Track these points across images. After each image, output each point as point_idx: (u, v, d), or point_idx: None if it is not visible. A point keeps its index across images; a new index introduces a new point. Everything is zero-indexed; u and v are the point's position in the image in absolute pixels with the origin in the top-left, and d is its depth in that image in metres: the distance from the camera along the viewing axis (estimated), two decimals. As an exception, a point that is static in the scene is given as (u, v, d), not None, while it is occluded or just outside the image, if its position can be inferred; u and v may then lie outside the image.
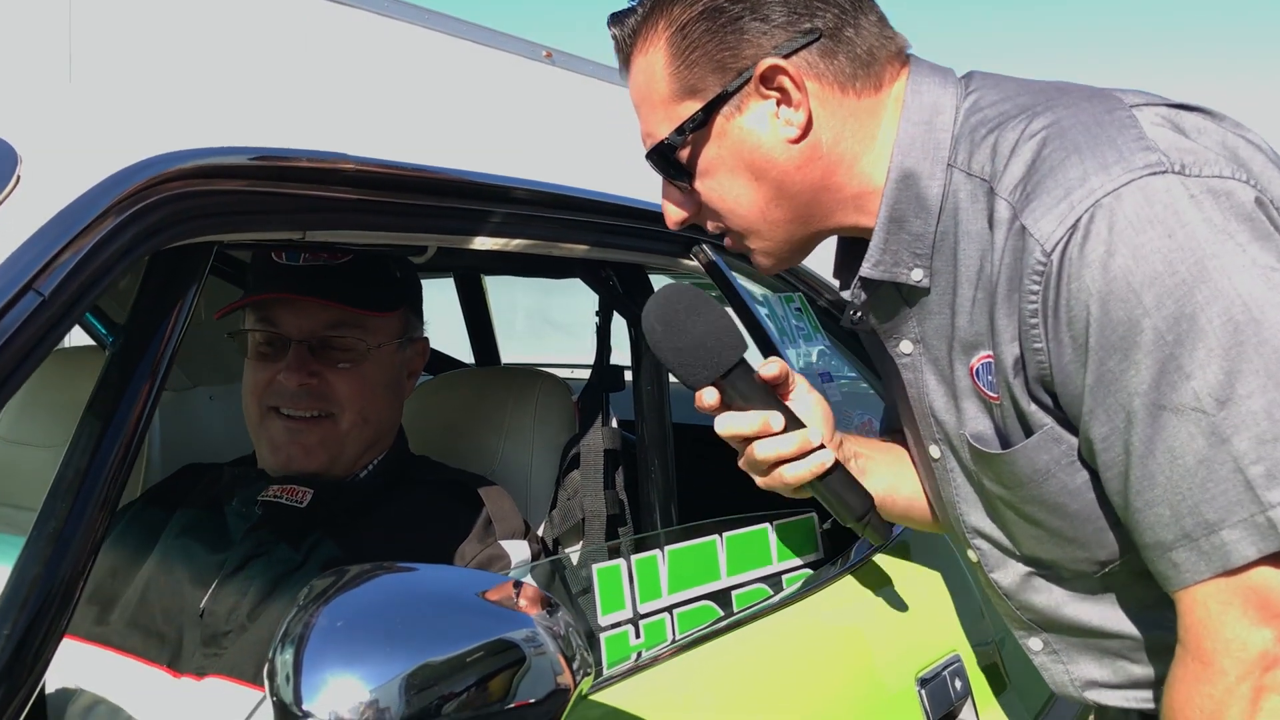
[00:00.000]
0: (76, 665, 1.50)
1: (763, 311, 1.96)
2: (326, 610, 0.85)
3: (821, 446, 1.30)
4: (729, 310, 1.31)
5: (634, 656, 1.30)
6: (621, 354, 1.96)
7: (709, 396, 1.27)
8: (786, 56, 1.13)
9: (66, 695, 1.50)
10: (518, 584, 0.95)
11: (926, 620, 1.77)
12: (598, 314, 1.97)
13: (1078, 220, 1.01)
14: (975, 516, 1.31)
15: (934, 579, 1.81)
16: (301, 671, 0.82)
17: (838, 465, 1.31)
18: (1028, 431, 1.14)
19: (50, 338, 0.97)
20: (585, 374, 2.96)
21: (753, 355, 1.35)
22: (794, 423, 1.29)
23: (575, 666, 0.90)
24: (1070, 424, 1.11)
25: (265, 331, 1.61)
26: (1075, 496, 1.16)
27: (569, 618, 0.93)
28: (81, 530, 1.06)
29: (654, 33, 1.19)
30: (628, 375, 1.96)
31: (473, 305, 2.78)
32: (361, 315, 1.63)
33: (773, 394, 1.30)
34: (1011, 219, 1.07)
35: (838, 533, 1.81)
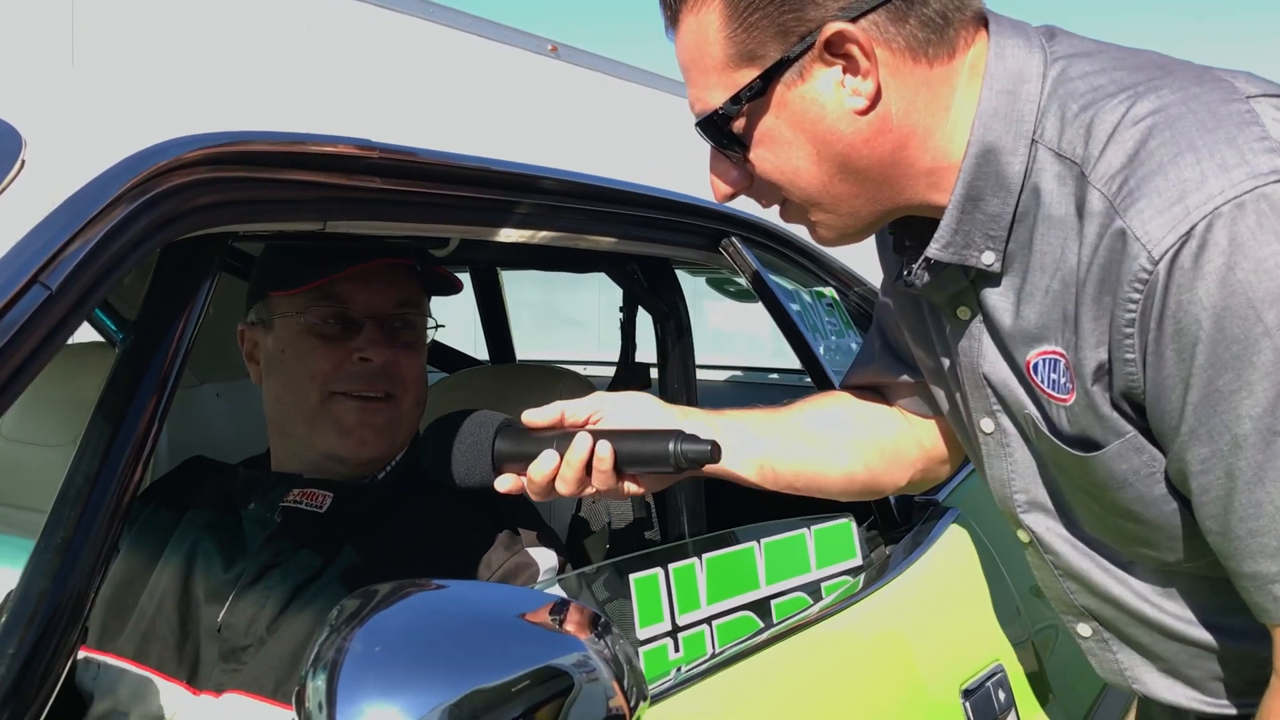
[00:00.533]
0: (89, 674, 1.44)
1: (794, 307, 1.89)
2: (361, 634, 0.78)
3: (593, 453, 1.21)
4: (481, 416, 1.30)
5: (674, 672, 1.23)
6: (646, 351, 1.89)
7: (504, 483, 1.26)
8: (854, 20, 1.03)
9: (80, 705, 1.44)
10: (562, 604, 0.88)
11: (967, 629, 1.70)
12: (622, 310, 1.91)
13: (1193, 228, 0.92)
14: (1034, 492, 1.24)
15: (974, 585, 1.74)
16: (336, 701, 0.75)
17: (619, 436, 1.23)
18: (1105, 437, 1.07)
19: (58, 334, 0.90)
20: (601, 370, 2.92)
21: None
22: (567, 438, 1.23)
23: (629, 690, 0.83)
24: (1151, 434, 1.04)
25: (332, 308, 1.53)
26: (1150, 506, 1.09)
27: (620, 639, 0.86)
28: (91, 540, 1.00)
29: None
30: (653, 371, 1.89)
31: (488, 300, 2.71)
32: (420, 295, 1.59)
33: (550, 431, 1.26)
34: (1108, 214, 0.98)
35: (875, 539, 1.75)
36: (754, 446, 1.35)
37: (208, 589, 1.47)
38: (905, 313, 1.34)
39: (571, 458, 1.20)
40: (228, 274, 2.16)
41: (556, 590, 1.17)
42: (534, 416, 1.26)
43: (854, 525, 1.57)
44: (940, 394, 1.32)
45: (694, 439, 1.19)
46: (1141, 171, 0.96)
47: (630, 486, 1.24)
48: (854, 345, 1.95)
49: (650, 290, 1.82)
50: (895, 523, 1.79)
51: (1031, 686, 1.75)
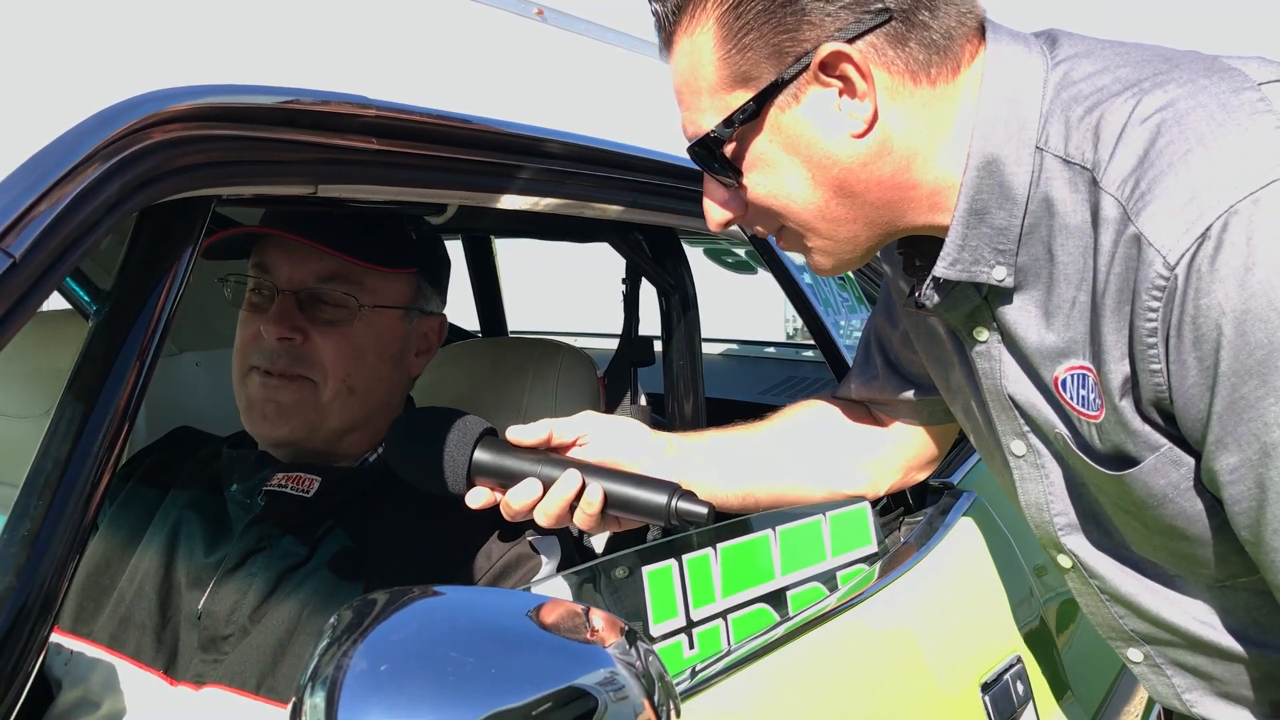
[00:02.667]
0: (59, 661, 1.36)
1: (806, 279, 1.81)
2: (363, 650, 0.70)
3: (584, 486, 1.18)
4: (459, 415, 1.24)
5: (688, 671, 1.16)
6: (650, 324, 1.80)
7: (477, 498, 1.22)
8: (850, 41, 0.97)
9: (51, 691, 1.36)
10: (582, 610, 0.79)
11: (985, 619, 1.63)
12: (624, 281, 1.82)
13: (1208, 228, 0.86)
14: (1074, 513, 1.18)
15: (991, 573, 1.67)
16: (337, 724, 0.67)
17: (611, 477, 1.19)
18: (1140, 452, 1.00)
19: (23, 307, 0.82)
20: (598, 343, 2.83)
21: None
22: (555, 467, 1.19)
23: (660, 708, 0.75)
24: (1188, 445, 0.98)
25: (256, 279, 1.43)
26: (1195, 521, 1.03)
27: (649, 648, 0.78)
28: (61, 531, 0.92)
29: (702, 10, 1.02)
30: (657, 346, 1.81)
31: (481, 269, 2.61)
32: (360, 269, 1.43)
33: (534, 452, 1.22)
34: (1122, 220, 0.92)
35: (890, 526, 1.68)
36: (735, 480, 1.35)
37: (189, 573, 1.39)
38: (920, 336, 1.29)
39: (557, 493, 1.18)
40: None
41: (564, 586, 1.09)
42: (520, 434, 1.22)
43: (869, 511, 1.49)
44: (964, 418, 1.27)
45: (691, 497, 1.16)
46: (1153, 172, 0.90)
47: (611, 525, 1.22)
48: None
49: (656, 262, 1.74)
50: (910, 507, 1.72)
51: (1047, 675, 1.68)
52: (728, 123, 1.03)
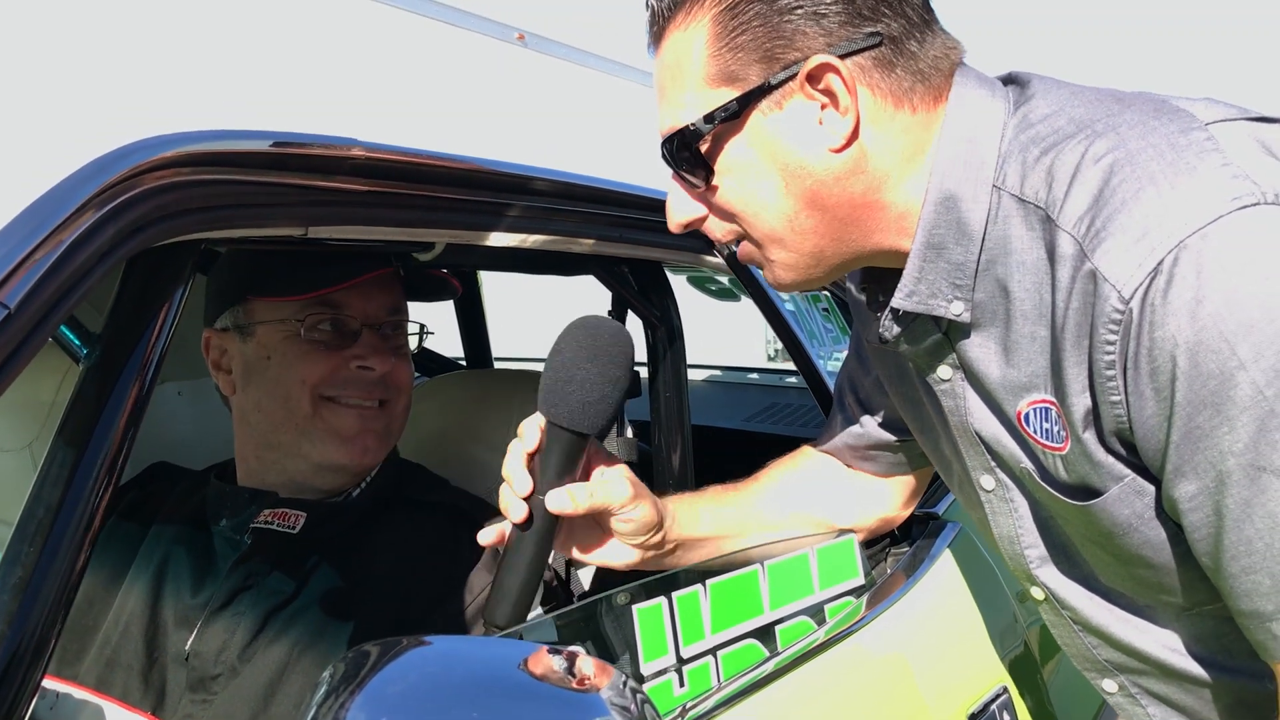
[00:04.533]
0: (45, 704, 1.35)
1: (788, 308, 1.82)
2: (361, 702, 0.70)
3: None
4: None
5: (679, 710, 1.16)
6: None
7: (531, 437, 1.16)
8: (841, 57, 0.99)
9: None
10: (572, 656, 0.80)
11: (972, 650, 1.64)
12: (611, 313, 1.83)
13: (1159, 263, 0.88)
14: (1044, 546, 1.20)
15: (976, 604, 1.68)
16: (335, 779, 0.67)
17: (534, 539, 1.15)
18: (1103, 483, 1.02)
19: (18, 358, 0.82)
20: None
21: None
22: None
23: (653, 754, 0.75)
24: (1152, 475, 0.99)
25: (332, 316, 1.45)
26: (1160, 550, 1.05)
27: (640, 691, 0.79)
28: (53, 576, 0.91)
29: (699, 7, 1.03)
30: (643, 372, 1.82)
31: (466, 302, 2.61)
32: (405, 301, 1.56)
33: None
34: (1078, 256, 0.94)
35: (876, 557, 1.69)
36: (719, 541, 1.36)
37: (176, 613, 1.38)
38: (891, 379, 1.30)
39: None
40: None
41: (549, 628, 1.09)
42: (560, 503, 1.15)
43: (856, 544, 1.50)
44: (935, 455, 1.29)
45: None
46: (1107, 210, 0.93)
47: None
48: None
49: (641, 294, 1.75)
50: (896, 539, 1.73)
51: (1033, 704, 1.69)
52: (709, 118, 1.03)
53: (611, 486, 1.19)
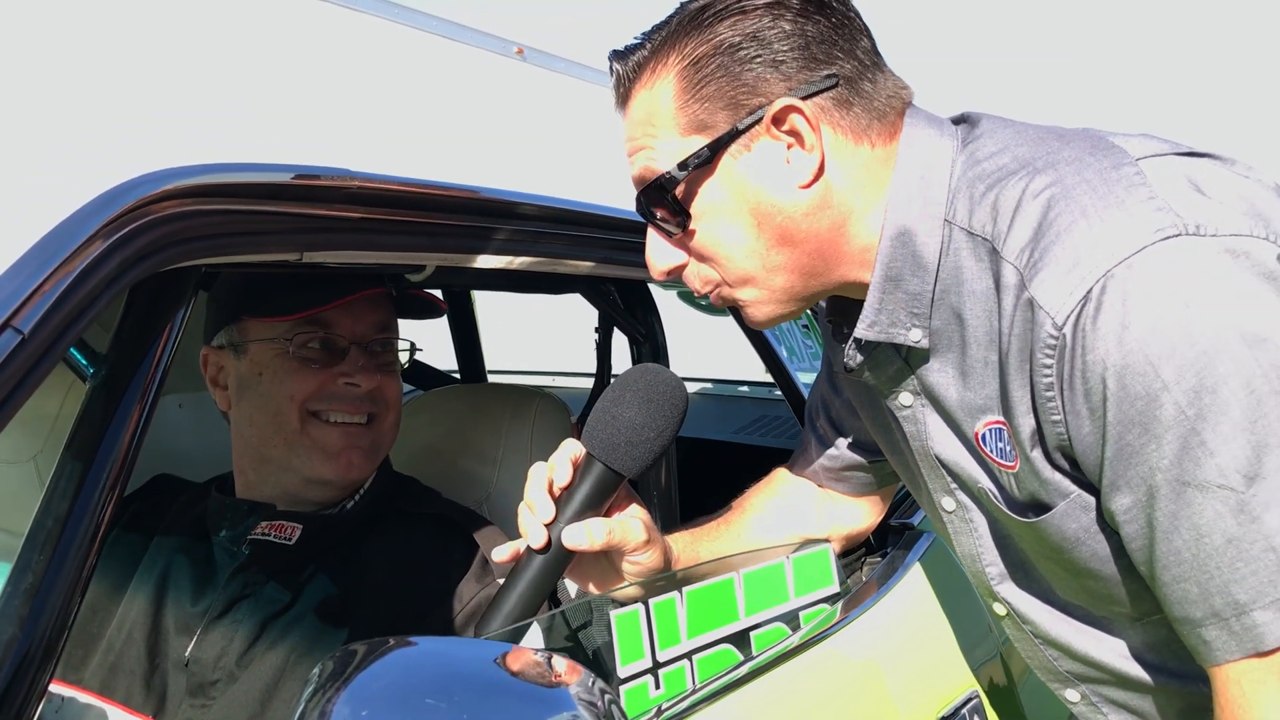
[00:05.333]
0: (50, 708, 1.40)
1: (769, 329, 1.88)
2: (346, 697, 0.76)
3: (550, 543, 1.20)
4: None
5: (654, 711, 1.22)
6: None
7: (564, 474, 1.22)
8: (803, 99, 1.07)
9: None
10: (547, 656, 0.86)
11: (943, 656, 1.69)
12: (597, 330, 1.89)
13: (1089, 291, 0.95)
14: (1004, 563, 1.26)
15: (949, 611, 1.74)
16: (322, 767, 0.73)
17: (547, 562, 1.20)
18: (1051, 499, 1.09)
19: (30, 379, 0.88)
20: (576, 382, 2.90)
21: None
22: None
23: (618, 746, 0.81)
24: (1096, 490, 1.05)
25: (321, 334, 1.51)
26: (1106, 563, 1.11)
27: (608, 689, 0.85)
28: (61, 583, 0.97)
29: (663, 66, 1.11)
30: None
31: (460, 319, 2.68)
32: (395, 318, 1.61)
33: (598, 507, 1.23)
34: (1019, 286, 1.01)
35: (851, 566, 1.74)
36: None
37: (177, 621, 1.44)
38: (863, 404, 1.36)
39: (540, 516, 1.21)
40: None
41: (535, 632, 1.15)
42: (578, 539, 1.21)
43: (832, 553, 1.56)
44: (905, 475, 1.35)
45: None
46: (1044, 242, 0.99)
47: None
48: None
49: (627, 312, 1.81)
50: (872, 548, 1.79)
51: (1005, 710, 1.75)
52: (683, 165, 1.10)
53: (629, 528, 1.24)
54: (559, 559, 1.20)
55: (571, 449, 1.23)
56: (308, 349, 1.50)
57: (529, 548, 1.20)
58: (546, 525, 1.20)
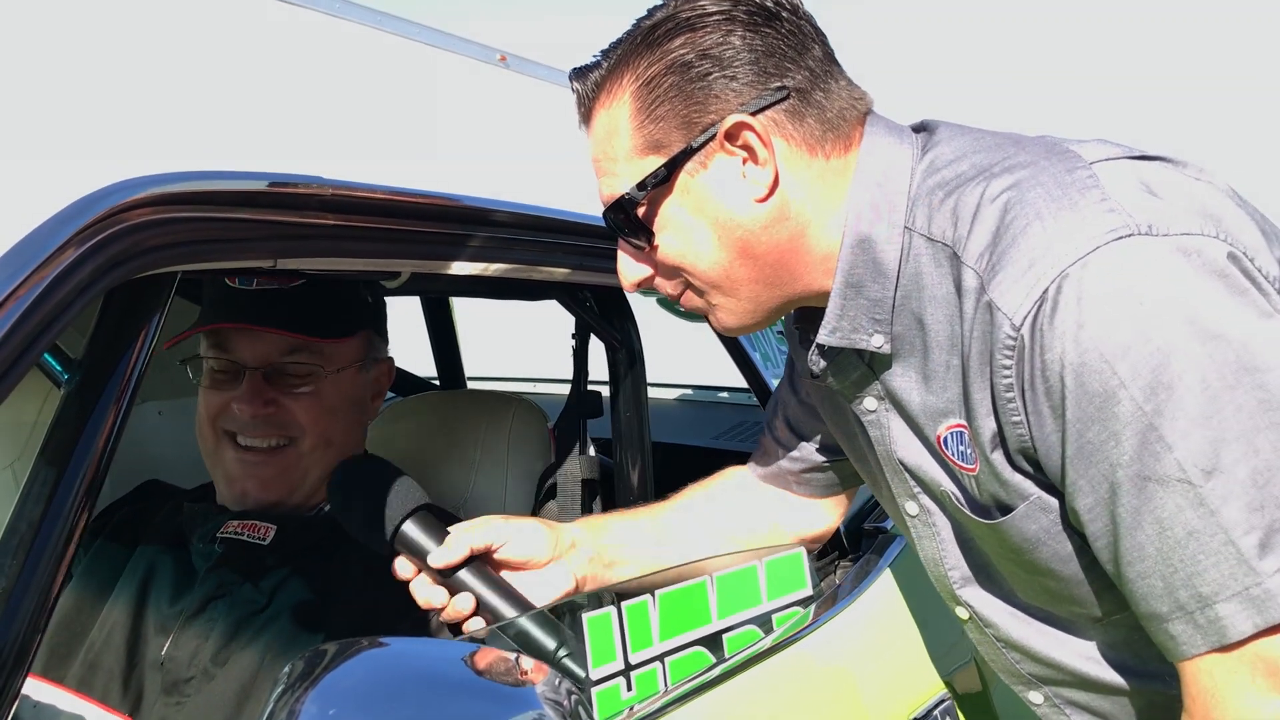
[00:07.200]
0: (26, 708, 1.41)
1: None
2: (314, 696, 0.77)
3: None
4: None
5: (626, 712, 1.23)
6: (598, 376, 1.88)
7: (405, 570, 1.29)
8: (754, 114, 1.09)
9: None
10: (515, 655, 0.87)
11: (915, 658, 1.71)
12: (574, 337, 1.90)
13: (1044, 292, 0.97)
14: (965, 567, 1.28)
15: (921, 614, 1.75)
16: (289, 765, 0.74)
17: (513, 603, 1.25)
18: (1012, 500, 1.10)
19: (3, 385, 0.88)
20: (553, 389, 2.90)
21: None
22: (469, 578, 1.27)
23: (583, 745, 0.82)
24: (1057, 491, 1.07)
25: (218, 358, 1.53)
26: (1066, 563, 1.13)
27: (573, 688, 0.86)
28: (34, 588, 0.98)
29: (618, 86, 1.13)
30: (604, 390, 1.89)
31: (439, 325, 2.69)
32: (318, 342, 1.56)
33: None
34: (979, 290, 1.03)
35: (825, 567, 1.76)
36: (636, 563, 1.43)
37: (155, 622, 1.46)
38: (827, 410, 1.38)
39: (449, 613, 1.27)
40: (179, 297, 2.12)
41: (506, 636, 1.16)
42: (442, 559, 1.27)
43: (804, 556, 1.57)
44: (869, 480, 1.37)
45: (577, 658, 1.21)
46: (1001, 245, 1.01)
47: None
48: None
49: (604, 319, 1.82)
50: (845, 551, 1.80)
51: (977, 712, 1.76)
52: (641, 185, 1.12)
53: (483, 526, 1.31)
54: (479, 583, 1.26)
55: (404, 572, 1.30)
56: (214, 369, 1.54)
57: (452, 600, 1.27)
58: (437, 582, 1.27)
